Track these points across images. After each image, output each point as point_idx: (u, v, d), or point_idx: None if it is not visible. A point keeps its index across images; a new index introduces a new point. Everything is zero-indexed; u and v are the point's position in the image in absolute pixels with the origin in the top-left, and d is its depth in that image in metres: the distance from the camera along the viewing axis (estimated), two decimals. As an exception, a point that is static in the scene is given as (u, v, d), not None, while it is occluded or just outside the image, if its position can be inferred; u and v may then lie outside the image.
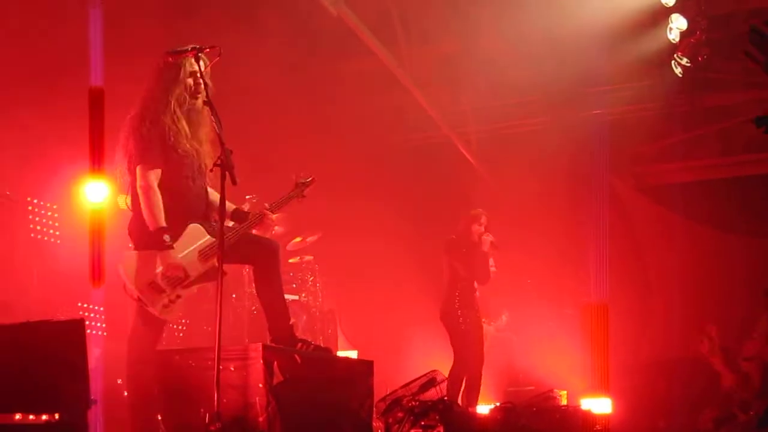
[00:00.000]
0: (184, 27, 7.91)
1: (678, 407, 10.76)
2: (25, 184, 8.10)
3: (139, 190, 5.37)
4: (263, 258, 5.77)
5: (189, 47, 5.27)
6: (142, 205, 5.35)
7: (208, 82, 5.33)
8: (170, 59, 5.40)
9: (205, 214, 5.61)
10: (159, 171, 5.38)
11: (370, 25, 9.11)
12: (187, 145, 5.50)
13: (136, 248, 5.41)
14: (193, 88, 5.49)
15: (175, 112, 5.44)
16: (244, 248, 5.70)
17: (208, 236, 5.49)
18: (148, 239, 5.34)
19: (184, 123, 5.46)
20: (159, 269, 5.30)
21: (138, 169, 5.38)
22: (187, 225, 5.46)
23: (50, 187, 8.35)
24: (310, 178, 6.23)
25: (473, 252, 8.96)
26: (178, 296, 5.36)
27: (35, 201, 8.46)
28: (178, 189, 5.47)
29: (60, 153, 8.20)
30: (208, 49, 5.26)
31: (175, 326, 8.78)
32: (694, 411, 10.43)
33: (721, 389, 10.42)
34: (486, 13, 9.44)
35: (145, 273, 5.28)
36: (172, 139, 5.43)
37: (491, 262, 9.16)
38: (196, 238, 5.44)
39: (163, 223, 5.29)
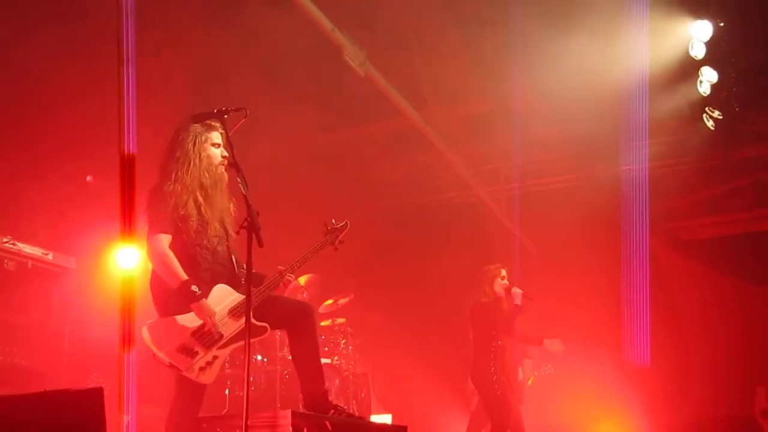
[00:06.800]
0: (214, 92, 7.98)
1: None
2: (56, 248, 8.10)
3: (149, 257, 5.30)
4: (298, 321, 5.65)
5: (215, 110, 5.24)
6: (158, 270, 5.27)
7: (232, 144, 5.27)
8: (187, 125, 5.41)
9: (231, 277, 5.50)
10: (169, 236, 5.29)
11: (398, 85, 9.13)
12: (206, 214, 5.41)
13: (160, 317, 5.30)
14: (212, 157, 5.48)
15: (187, 181, 5.35)
16: (278, 312, 5.59)
17: (237, 294, 5.40)
18: (172, 304, 5.23)
19: (199, 193, 5.35)
20: (187, 331, 5.19)
21: (147, 238, 5.32)
22: (212, 288, 5.35)
23: (81, 252, 8.35)
24: (343, 223, 6.16)
25: (501, 309, 8.75)
26: (215, 357, 5.26)
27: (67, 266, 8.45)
28: (196, 257, 5.37)
29: (91, 216, 8.24)
30: (233, 111, 5.22)
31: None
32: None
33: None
34: (515, 70, 9.42)
35: (173, 337, 5.17)
36: (182, 210, 5.34)
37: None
38: (223, 298, 5.35)
39: (185, 276, 5.19)
